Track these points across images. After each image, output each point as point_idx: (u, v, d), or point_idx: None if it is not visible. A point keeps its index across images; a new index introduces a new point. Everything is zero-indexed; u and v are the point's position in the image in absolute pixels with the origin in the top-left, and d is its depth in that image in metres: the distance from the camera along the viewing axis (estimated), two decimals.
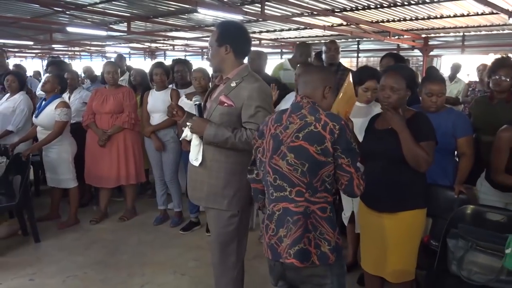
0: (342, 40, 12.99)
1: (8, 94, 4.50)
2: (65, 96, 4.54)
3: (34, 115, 4.05)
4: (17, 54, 23.11)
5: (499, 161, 2.41)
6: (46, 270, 3.29)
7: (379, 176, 2.21)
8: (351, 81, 2.61)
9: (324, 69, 2.16)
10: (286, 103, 3.31)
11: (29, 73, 9.58)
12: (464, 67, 7.35)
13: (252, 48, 2.39)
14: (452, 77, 6.73)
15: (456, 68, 6.87)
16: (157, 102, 4.00)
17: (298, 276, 1.74)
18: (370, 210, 2.32)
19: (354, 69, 5.00)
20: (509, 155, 2.39)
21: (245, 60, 2.32)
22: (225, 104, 2.16)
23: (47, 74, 4.13)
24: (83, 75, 7.06)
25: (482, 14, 8.19)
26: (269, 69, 4.78)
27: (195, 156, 2.26)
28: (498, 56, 3.33)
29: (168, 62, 4.75)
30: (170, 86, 4.36)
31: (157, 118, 4.02)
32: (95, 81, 5.63)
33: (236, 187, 2.22)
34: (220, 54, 2.19)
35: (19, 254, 3.55)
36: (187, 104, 3.20)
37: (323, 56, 4.08)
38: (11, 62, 7.62)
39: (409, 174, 2.17)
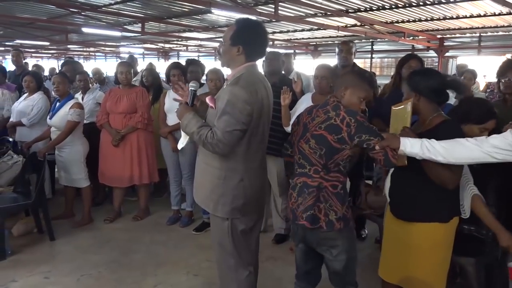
0: (356, 41, 12.94)
1: (26, 94, 4.57)
2: (78, 96, 4.59)
3: (48, 117, 4.09)
4: (33, 55, 23.56)
5: None
6: (60, 268, 3.32)
7: (403, 183, 2.15)
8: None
9: (347, 73, 2.35)
10: (301, 105, 3.30)
11: (46, 72, 9.70)
12: (481, 68, 7.23)
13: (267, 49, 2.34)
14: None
15: (461, 69, 6.75)
16: (173, 103, 3.98)
17: (315, 238, 2.15)
18: (393, 217, 2.24)
19: (368, 69, 4.91)
20: None
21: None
22: (210, 106, 2.14)
23: (54, 77, 4.17)
24: (91, 75, 7.09)
25: (499, 14, 8.06)
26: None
27: (181, 140, 2.34)
28: (505, 58, 3.27)
29: (181, 62, 4.76)
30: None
31: (173, 118, 4.00)
32: (104, 84, 5.69)
33: (220, 192, 2.16)
34: (232, 53, 2.12)
35: (35, 252, 3.60)
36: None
37: (336, 57, 3.96)
38: (28, 62, 7.73)
39: (435, 186, 2.02)
